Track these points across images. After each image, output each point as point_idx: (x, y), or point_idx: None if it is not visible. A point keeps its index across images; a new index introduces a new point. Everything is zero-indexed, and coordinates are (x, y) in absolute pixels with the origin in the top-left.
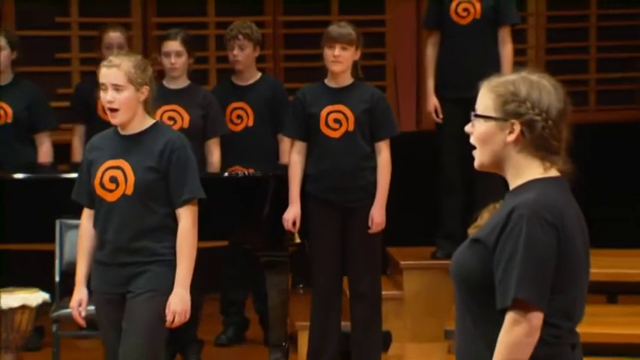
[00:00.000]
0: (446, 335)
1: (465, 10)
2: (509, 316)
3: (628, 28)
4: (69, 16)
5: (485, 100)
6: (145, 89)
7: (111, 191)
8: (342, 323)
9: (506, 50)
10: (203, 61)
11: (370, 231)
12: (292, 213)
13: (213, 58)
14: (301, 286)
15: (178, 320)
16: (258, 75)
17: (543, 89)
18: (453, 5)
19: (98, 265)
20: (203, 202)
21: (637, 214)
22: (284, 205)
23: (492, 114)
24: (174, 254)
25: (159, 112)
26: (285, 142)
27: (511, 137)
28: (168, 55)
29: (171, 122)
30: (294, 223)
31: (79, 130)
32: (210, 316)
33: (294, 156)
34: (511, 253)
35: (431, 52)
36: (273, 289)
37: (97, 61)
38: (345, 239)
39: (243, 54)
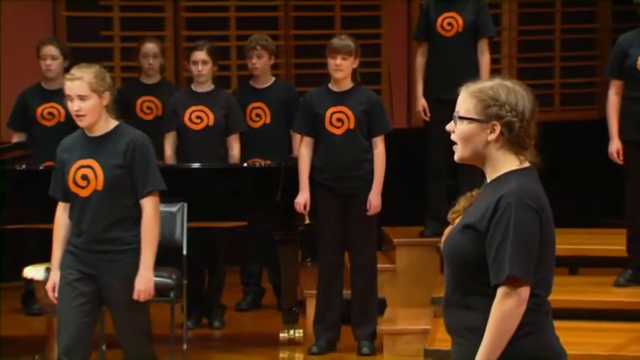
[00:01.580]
0: (432, 302)
1: (450, 24)
2: (502, 290)
3: (587, 40)
4: (112, 30)
5: (467, 104)
6: (106, 95)
7: (83, 187)
8: (344, 292)
9: (484, 59)
10: (225, 69)
11: (368, 214)
12: (303, 198)
13: (234, 66)
14: (309, 260)
15: (144, 297)
16: (273, 79)
17: (518, 94)
18: (439, 20)
19: (75, 248)
20: (226, 188)
21: (594, 198)
22: (294, 191)
23: (475, 116)
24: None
25: (188, 111)
26: (296, 137)
27: (492, 136)
28: (196, 63)
29: (199, 120)
30: (304, 207)
31: None
32: (231, 285)
33: (302, 149)
34: (502, 236)
35: (420, 61)
36: (285, 263)
37: (136, 69)
38: (346, 220)
39: (260, 62)
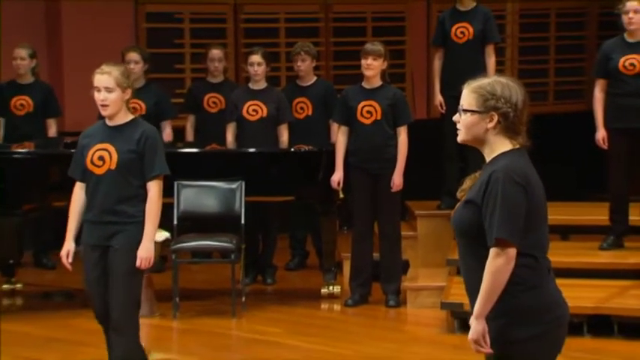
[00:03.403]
0: (447, 263)
1: (462, 32)
2: (493, 251)
3: (577, 46)
4: (183, 38)
5: (469, 98)
6: (128, 91)
7: (99, 167)
8: (374, 254)
9: (491, 61)
10: (276, 70)
11: (392, 191)
12: (337, 176)
13: (283, 67)
14: (345, 228)
15: (145, 265)
16: (315, 78)
17: (512, 88)
18: (453, 29)
19: (89, 223)
20: (277, 168)
21: (582, 176)
22: (333, 171)
23: (476, 109)
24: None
25: (246, 105)
26: (334, 126)
27: (491, 124)
28: (252, 64)
29: (255, 113)
30: (338, 184)
31: (191, 119)
32: (281, 249)
33: (339, 136)
34: (492, 206)
35: (437, 63)
36: (325, 230)
37: (203, 71)
38: (375, 196)
39: (304, 65)
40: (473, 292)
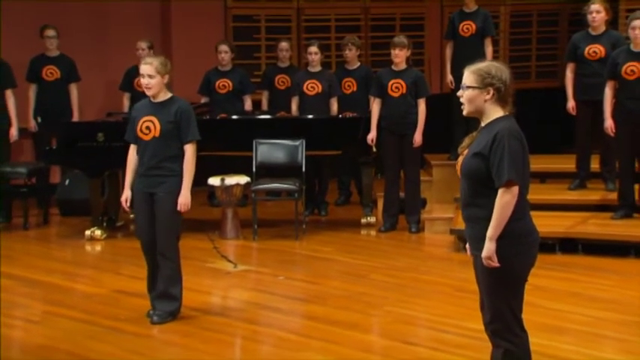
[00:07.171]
0: (454, 200)
1: (467, 28)
2: (502, 189)
3: (553, 38)
4: (260, 34)
5: (471, 78)
6: (167, 76)
7: (146, 134)
8: (400, 194)
9: (489, 51)
10: (328, 57)
11: (414, 146)
12: (371, 135)
13: (334, 55)
14: (379, 174)
15: (183, 208)
16: (358, 64)
17: (502, 70)
18: (460, 26)
19: (140, 176)
20: (329, 130)
21: (556, 134)
22: (369, 132)
23: (476, 85)
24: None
25: (305, 83)
26: (371, 99)
27: (488, 97)
28: (310, 53)
29: (312, 89)
30: (372, 141)
31: (265, 94)
32: (331, 190)
33: (374, 106)
34: (500, 156)
35: (448, 52)
36: (365, 176)
37: (274, 58)
38: (401, 151)
39: (350, 53)
40: (472, 219)
